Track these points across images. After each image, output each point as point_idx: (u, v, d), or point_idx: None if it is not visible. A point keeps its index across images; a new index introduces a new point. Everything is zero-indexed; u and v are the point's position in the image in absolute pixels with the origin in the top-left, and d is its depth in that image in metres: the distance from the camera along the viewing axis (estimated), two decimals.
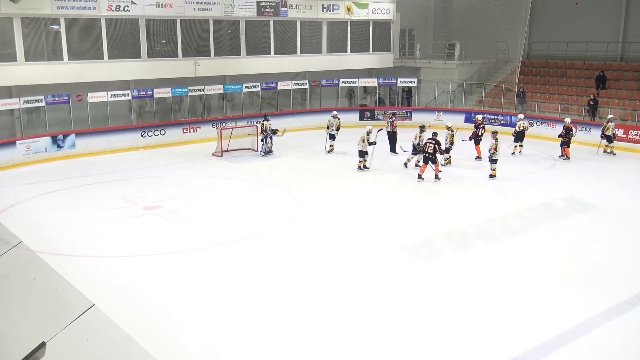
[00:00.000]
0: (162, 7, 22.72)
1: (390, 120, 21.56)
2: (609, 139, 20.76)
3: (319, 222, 13.80)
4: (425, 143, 17.13)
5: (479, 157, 19.94)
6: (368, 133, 18.37)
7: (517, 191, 16.45)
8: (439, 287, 10.23)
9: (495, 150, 17.34)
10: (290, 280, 10.49)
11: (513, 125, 22.49)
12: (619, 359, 8.13)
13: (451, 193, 16.39)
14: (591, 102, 23.96)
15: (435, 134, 17.40)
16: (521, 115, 22.29)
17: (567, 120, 20.61)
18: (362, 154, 18.43)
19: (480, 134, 20.03)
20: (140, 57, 22.77)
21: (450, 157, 19.30)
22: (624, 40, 26.62)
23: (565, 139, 20.10)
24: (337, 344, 8.31)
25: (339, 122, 21.14)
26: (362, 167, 18.55)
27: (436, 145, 16.82)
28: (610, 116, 21.19)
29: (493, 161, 17.55)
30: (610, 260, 11.50)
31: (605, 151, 20.96)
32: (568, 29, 27.91)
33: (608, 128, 20.62)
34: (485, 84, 28.62)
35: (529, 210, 14.70)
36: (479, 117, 21.05)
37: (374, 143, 18.42)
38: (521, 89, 26.49)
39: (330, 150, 21.13)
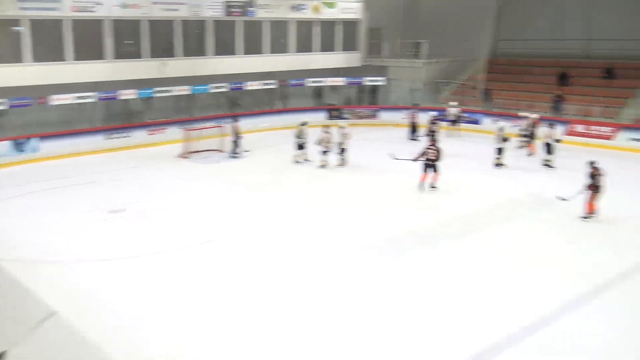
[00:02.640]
0: (128, 7, 22.48)
1: (412, 112, 23.86)
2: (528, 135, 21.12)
3: (289, 222, 13.83)
4: (426, 150, 16.26)
5: None
6: (500, 130, 19.04)
7: (482, 188, 16.69)
8: (407, 284, 10.36)
9: (328, 142, 18.30)
10: (261, 281, 10.49)
11: (479, 122, 22.99)
12: (587, 344, 8.44)
13: (417, 191, 16.51)
14: (556, 99, 24.46)
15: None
16: (454, 103, 24.87)
17: (535, 116, 21.14)
18: (499, 151, 19.01)
19: (434, 130, 20.50)
20: (106, 58, 22.49)
21: (344, 158, 18.55)
22: (588, 38, 27.16)
23: (530, 134, 20.62)
24: (312, 343, 8.36)
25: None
26: (497, 164, 19.02)
27: (438, 152, 16.15)
28: (534, 115, 21.50)
29: (324, 153, 18.48)
30: (575, 250, 11.99)
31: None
32: (534, 27, 28.43)
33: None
34: (451, 82, 28.93)
35: (494, 206, 14.98)
36: (434, 113, 21.64)
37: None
38: (486, 87, 26.87)
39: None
